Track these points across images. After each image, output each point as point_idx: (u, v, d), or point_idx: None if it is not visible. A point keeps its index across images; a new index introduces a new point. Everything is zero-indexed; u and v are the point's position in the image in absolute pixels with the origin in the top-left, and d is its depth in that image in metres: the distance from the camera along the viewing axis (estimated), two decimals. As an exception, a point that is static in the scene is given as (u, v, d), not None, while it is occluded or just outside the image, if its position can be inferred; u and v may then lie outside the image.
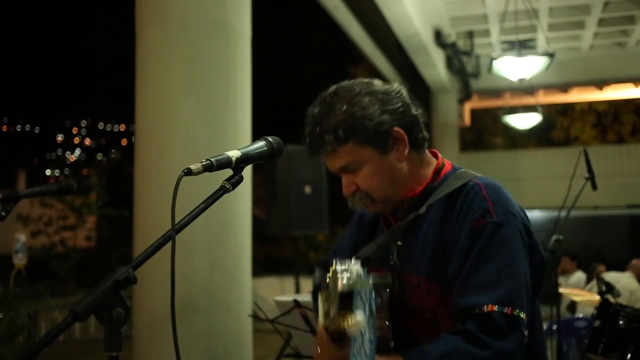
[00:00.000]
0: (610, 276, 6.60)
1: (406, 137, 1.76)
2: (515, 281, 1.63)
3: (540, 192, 14.98)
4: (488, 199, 1.70)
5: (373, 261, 1.89)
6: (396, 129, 1.75)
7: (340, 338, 1.61)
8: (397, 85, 1.82)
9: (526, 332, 1.62)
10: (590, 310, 5.79)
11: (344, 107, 1.73)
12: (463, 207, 1.70)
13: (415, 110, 1.82)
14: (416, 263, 1.76)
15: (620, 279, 6.57)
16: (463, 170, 1.85)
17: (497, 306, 1.58)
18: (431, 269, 1.72)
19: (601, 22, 11.96)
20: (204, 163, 1.46)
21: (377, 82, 1.81)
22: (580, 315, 6.04)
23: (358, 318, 1.41)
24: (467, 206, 1.69)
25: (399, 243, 1.81)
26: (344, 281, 1.45)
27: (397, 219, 1.85)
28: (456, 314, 1.64)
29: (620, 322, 4.05)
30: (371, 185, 1.77)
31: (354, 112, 1.72)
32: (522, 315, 1.61)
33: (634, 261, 7.85)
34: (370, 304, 1.41)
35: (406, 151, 1.77)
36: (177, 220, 1.38)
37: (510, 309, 1.59)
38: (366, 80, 1.82)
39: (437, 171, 1.84)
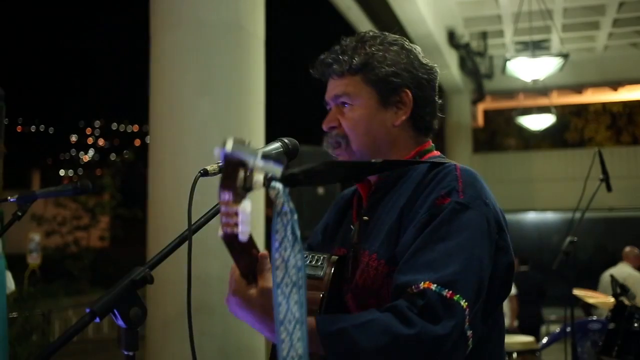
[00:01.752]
0: (611, 272, 6.58)
1: (411, 105, 1.68)
2: (465, 266, 1.44)
3: (554, 193, 14.89)
4: (460, 180, 1.55)
5: (336, 242, 1.80)
6: (407, 90, 1.67)
7: (252, 270, 1.38)
8: (435, 66, 1.76)
9: (469, 332, 1.42)
10: (603, 312, 5.76)
11: (373, 46, 1.68)
12: (431, 183, 1.57)
13: (437, 99, 1.75)
14: (372, 239, 1.62)
15: (620, 273, 6.52)
16: (448, 160, 1.70)
17: (435, 285, 1.39)
18: (383, 245, 1.58)
19: (616, 22, 11.90)
20: (220, 164, 1.47)
21: (419, 49, 1.75)
22: (594, 317, 6.01)
23: (242, 205, 1.09)
24: (435, 182, 1.56)
25: (365, 218, 1.69)
26: (229, 144, 1.07)
27: (368, 193, 1.74)
28: (393, 292, 1.47)
29: (635, 325, 4.03)
30: (354, 127, 1.68)
31: (377, 52, 1.67)
32: (463, 303, 1.40)
33: (627, 249, 7.76)
34: (293, 225, 1.09)
35: (403, 117, 1.68)
36: (192, 220, 1.39)
37: (450, 292, 1.39)
38: (410, 43, 1.75)
39: (421, 153, 1.73)
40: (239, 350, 4.50)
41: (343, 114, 1.70)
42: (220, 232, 1.12)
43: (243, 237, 1.11)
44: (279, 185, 1.09)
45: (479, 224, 1.51)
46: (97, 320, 1.23)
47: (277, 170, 1.09)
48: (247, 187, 1.08)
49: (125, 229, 22.30)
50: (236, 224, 1.10)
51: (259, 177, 1.08)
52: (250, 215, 1.10)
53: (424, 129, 1.74)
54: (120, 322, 1.27)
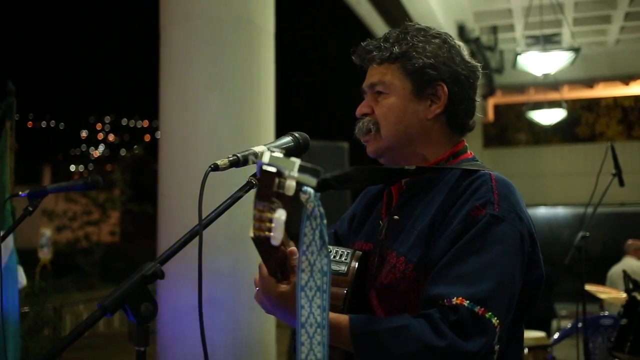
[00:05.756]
0: (622, 268, 6.54)
1: (445, 100, 1.67)
2: (498, 283, 1.45)
3: (565, 188, 14.82)
4: (495, 191, 1.55)
5: (362, 235, 1.80)
6: (442, 84, 1.66)
7: (280, 268, 1.41)
8: (478, 65, 1.74)
9: (497, 347, 1.46)
10: (616, 308, 5.72)
11: (415, 38, 1.68)
12: (466, 192, 1.56)
13: (476, 97, 1.73)
14: (401, 241, 1.62)
15: (629, 268, 6.44)
16: (482, 163, 1.72)
17: (468, 302, 1.41)
18: (412, 250, 1.58)
19: (628, 16, 11.79)
20: (230, 158, 1.46)
21: (463, 47, 1.74)
22: (607, 313, 5.97)
23: (278, 214, 1.11)
24: (470, 192, 1.56)
25: (396, 217, 1.69)
26: (266, 156, 1.11)
27: (400, 190, 1.74)
28: (423, 302, 1.48)
29: (648, 320, 4.00)
30: (386, 116, 1.68)
31: (418, 43, 1.67)
32: (495, 321, 1.42)
33: (630, 241, 7.67)
34: (322, 229, 1.12)
35: (437, 111, 1.67)
36: (203, 215, 1.38)
37: (482, 309, 1.41)
38: (458, 41, 1.74)
39: (455, 154, 1.71)
40: (249, 345, 4.50)
41: (377, 102, 1.70)
42: (251, 234, 1.13)
43: (275, 242, 1.12)
44: (310, 190, 1.10)
45: (512, 238, 1.51)
46: (109, 315, 1.23)
47: (312, 181, 1.11)
48: (280, 193, 1.10)
49: (135, 224, 22.42)
50: (269, 230, 1.11)
51: (291, 183, 1.10)
52: (284, 223, 1.11)
53: (459, 128, 1.72)
54: (131, 318, 1.26)
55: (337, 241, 1.92)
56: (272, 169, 1.09)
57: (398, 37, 1.70)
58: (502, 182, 1.59)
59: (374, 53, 1.71)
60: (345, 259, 1.65)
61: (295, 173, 1.10)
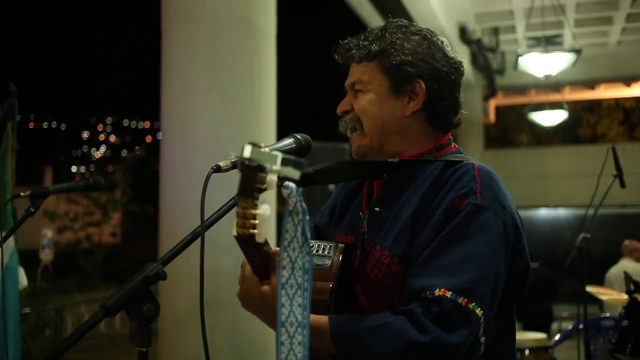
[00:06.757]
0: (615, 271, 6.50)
1: (423, 97, 1.64)
2: (481, 272, 1.43)
3: (566, 190, 14.82)
4: (478, 181, 1.53)
5: (342, 227, 1.79)
6: (420, 81, 1.63)
7: (264, 267, 1.39)
8: (461, 61, 1.72)
9: (482, 339, 1.42)
10: (616, 310, 5.71)
11: (394, 34, 1.67)
12: (448, 182, 1.54)
13: (458, 94, 1.70)
14: (384, 234, 1.60)
15: (631, 269, 6.43)
16: (466, 155, 1.70)
17: (450, 293, 1.38)
18: (396, 243, 1.56)
19: (629, 17, 11.81)
20: (232, 160, 1.46)
21: (446, 42, 1.71)
22: (607, 314, 5.97)
23: (262, 210, 1.08)
24: (452, 182, 1.54)
25: (377, 209, 1.67)
26: (247, 150, 1.07)
27: (381, 183, 1.71)
28: (407, 294, 1.46)
29: (649, 322, 3.99)
30: (364, 112, 1.67)
31: (397, 40, 1.66)
32: (479, 311, 1.40)
33: (626, 242, 7.64)
34: (304, 225, 1.07)
35: (415, 108, 1.64)
36: (205, 216, 1.39)
37: (465, 300, 1.38)
38: (442, 37, 1.72)
39: (438, 147, 1.69)
40: (250, 346, 4.50)
41: (356, 98, 1.70)
42: (234, 232, 1.11)
43: (260, 239, 1.10)
44: (292, 185, 1.08)
45: (495, 227, 1.49)
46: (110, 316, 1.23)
47: (296, 174, 1.08)
48: (262, 188, 1.08)
49: (137, 225, 22.47)
50: (253, 227, 1.09)
51: (273, 177, 1.07)
52: (268, 218, 1.09)
53: (442, 124, 1.70)
54: (133, 319, 1.26)
55: (318, 234, 1.91)
56: (254, 164, 1.06)
57: (377, 34, 1.69)
58: (485, 171, 1.57)
59: (353, 51, 1.70)
60: (328, 253, 1.63)
61: (277, 167, 1.07)
